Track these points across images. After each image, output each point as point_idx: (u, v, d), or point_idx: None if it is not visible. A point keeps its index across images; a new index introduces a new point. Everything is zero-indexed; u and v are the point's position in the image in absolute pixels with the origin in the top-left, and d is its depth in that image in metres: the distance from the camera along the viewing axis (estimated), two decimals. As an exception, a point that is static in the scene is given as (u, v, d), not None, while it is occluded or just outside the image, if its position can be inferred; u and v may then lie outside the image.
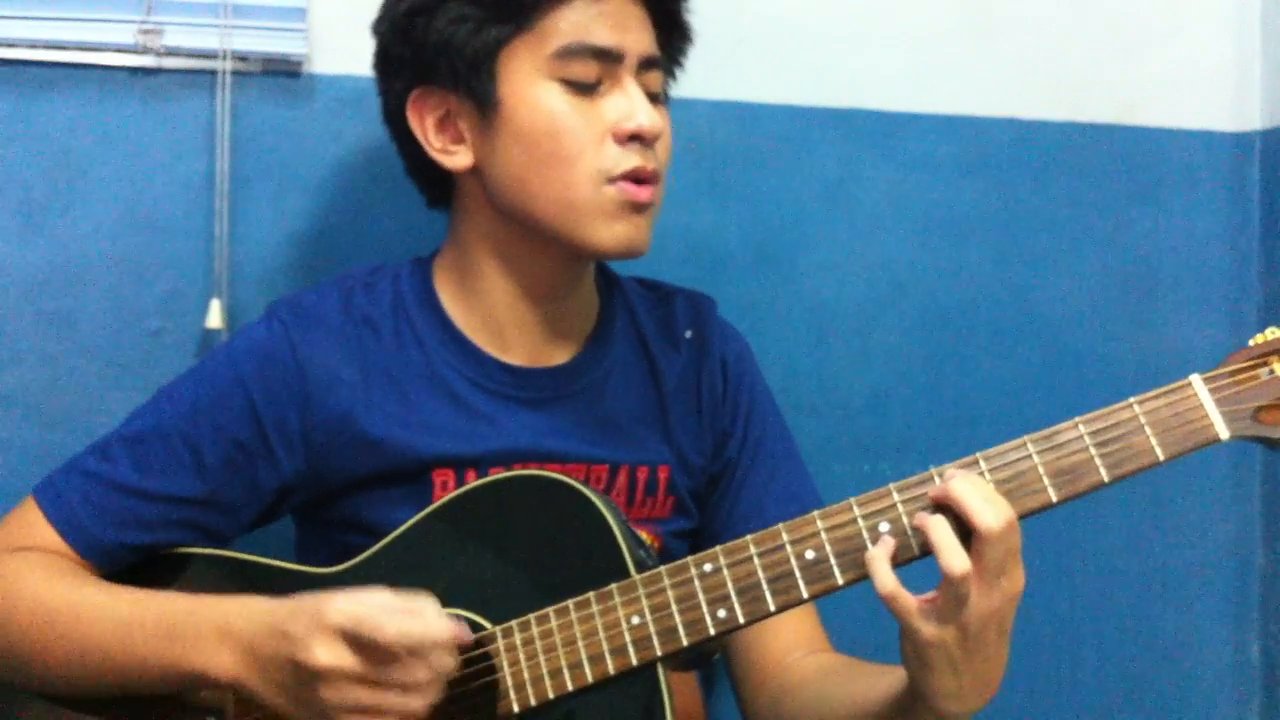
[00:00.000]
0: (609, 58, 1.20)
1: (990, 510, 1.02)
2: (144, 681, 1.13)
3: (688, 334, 1.35)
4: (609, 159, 1.19)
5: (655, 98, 1.25)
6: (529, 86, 1.19)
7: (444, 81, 1.22)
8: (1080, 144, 1.72)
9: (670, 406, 1.32)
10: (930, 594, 1.04)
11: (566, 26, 1.19)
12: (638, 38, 1.22)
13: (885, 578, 1.04)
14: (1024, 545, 1.08)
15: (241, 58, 1.48)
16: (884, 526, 1.07)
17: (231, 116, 1.47)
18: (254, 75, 1.49)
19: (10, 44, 1.43)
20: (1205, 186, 1.75)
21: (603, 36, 1.19)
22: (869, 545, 1.07)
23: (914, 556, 1.07)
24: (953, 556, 1.02)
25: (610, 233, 1.21)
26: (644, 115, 1.20)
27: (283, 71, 1.50)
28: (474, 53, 1.20)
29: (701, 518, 1.35)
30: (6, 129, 1.44)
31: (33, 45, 1.44)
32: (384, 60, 1.27)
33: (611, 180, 1.19)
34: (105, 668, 1.14)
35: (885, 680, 1.15)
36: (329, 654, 1.02)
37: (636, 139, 1.20)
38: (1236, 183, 1.75)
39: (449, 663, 1.04)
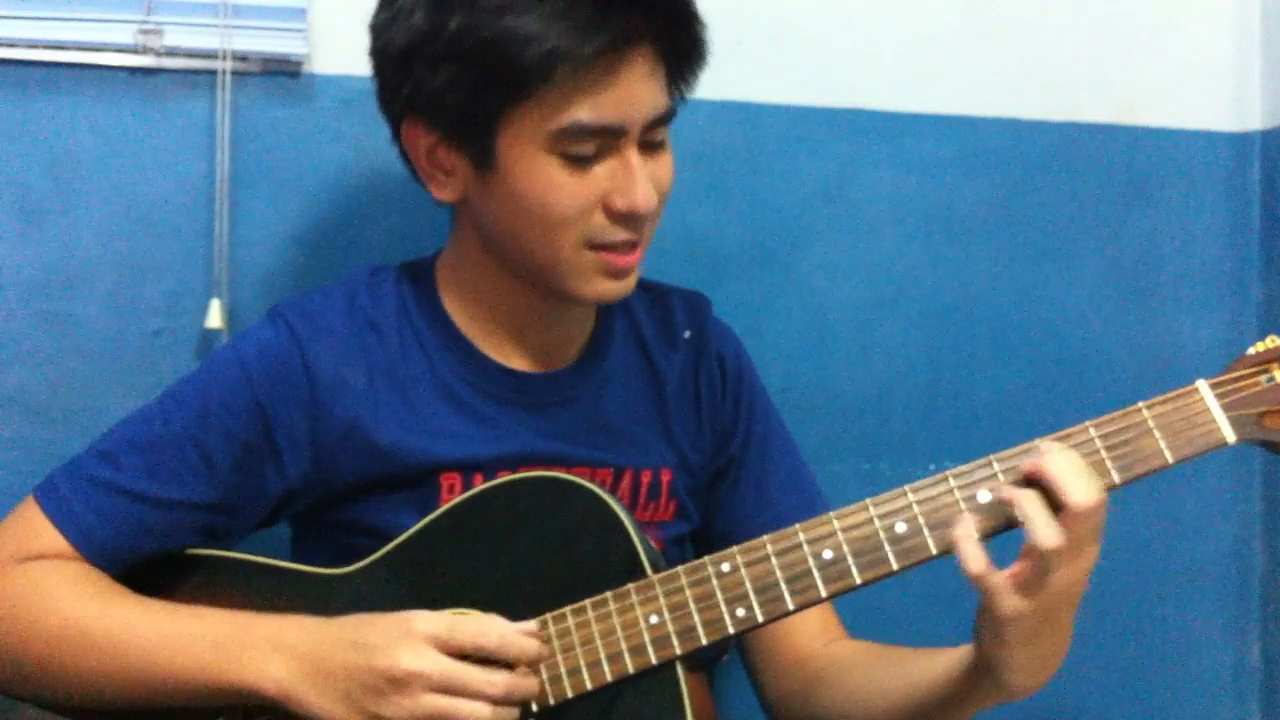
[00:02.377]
0: (611, 133, 1.16)
1: (1084, 486, 1.02)
2: (181, 695, 1.12)
3: (687, 334, 1.35)
4: (595, 229, 1.17)
5: (660, 145, 1.21)
6: (526, 155, 1.15)
7: (438, 127, 1.19)
8: (1080, 144, 1.72)
9: (671, 407, 1.32)
10: (1013, 569, 1.04)
11: (570, 103, 1.13)
12: (644, 103, 1.16)
13: (977, 558, 1.04)
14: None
15: (241, 58, 1.48)
16: (900, 527, 1.08)
17: (231, 116, 1.47)
18: (254, 75, 1.49)
19: (10, 44, 1.43)
20: (1205, 186, 1.75)
21: (606, 115, 1.14)
22: (885, 545, 1.08)
23: (929, 556, 1.08)
24: (1047, 530, 1.02)
25: (590, 289, 1.20)
26: (640, 195, 1.16)
27: (283, 71, 1.50)
28: (472, 116, 1.16)
29: (706, 516, 1.35)
30: (6, 129, 1.44)
31: (33, 45, 1.44)
32: (379, 74, 1.23)
33: (593, 247, 1.18)
34: (141, 681, 1.12)
35: (941, 660, 1.16)
36: (416, 659, 1.05)
37: (628, 215, 1.17)
38: (1236, 183, 1.75)
39: (534, 684, 1.09)
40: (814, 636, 1.31)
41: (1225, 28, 1.76)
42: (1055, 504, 1.03)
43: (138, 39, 1.45)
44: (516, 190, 1.17)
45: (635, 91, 1.16)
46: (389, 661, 1.05)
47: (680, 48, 1.20)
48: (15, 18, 1.42)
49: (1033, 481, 1.05)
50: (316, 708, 1.08)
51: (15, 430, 1.44)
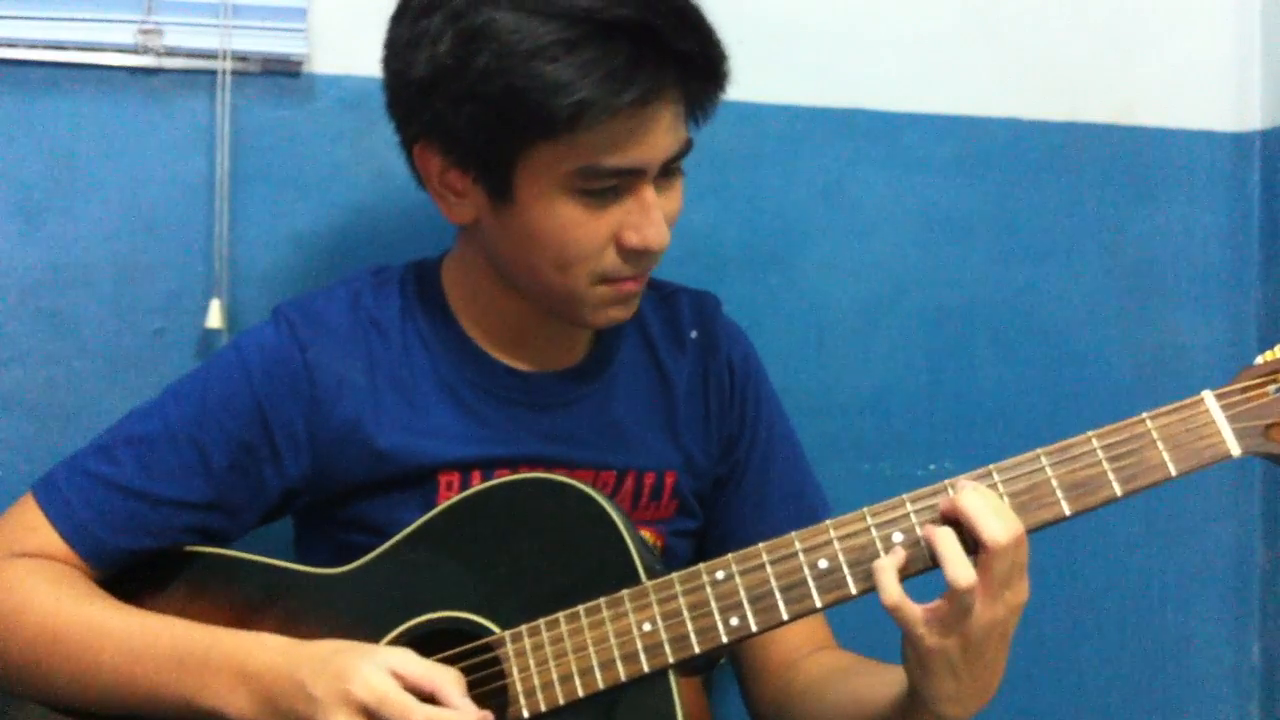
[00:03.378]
0: (631, 175, 1.15)
1: (998, 524, 1.02)
2: (152, 709, 1.13)
3: (693, 334, 1.35)
4: (608, 265, 1.17)
5: (675, 172, 1.21)
6: (545, 193, 1.15)
7: (453, 156, 1.18)
8: (1080, 144, 1.72)
9: (678, 408, 1.32)
10: (934, 603, 1.04)
11: (593, 149, 1.12)
12: (666, 147, 1.16)
13: (891, 588, 1.04)
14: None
15: (241, 58, 1.48)
16: (897, 536, 1.07)
17: (231, 116, 1.47)
18: (254, 75, 1.49)
19: (10, 44, 1.43)
20: (1205, 186, 1.75)
21: (626, 157, 1.14)
22: (882, 555, 1.07)
23: (927, 567, 1.07)
24: (958, 568, 1.02)
25: (599, 316, 1.22)
26: (653, 233, 1.16)
27: (283, 71, 1.50)
28: (493, 154, 1.15)
29: (707, 518, 1.35)
30: (6, 129, 1.44)
31: (33, 45, 1.44)
32: (394, 92, 1.21)
33: (604, 282, 1.18)
34: (113, 692, 1.13)
35: (886, 679, 1.16)
36: (371, 685, 1.04)
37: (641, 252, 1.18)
38: (1236, 183, 1.75)
39: None
40: (798, 645, 1.31)
41: (1225, 28, 1.76)
42: (974, 542, 1.03)
43: (138, 39, 1.45)
44: (532, 225, 1.16)
45: (659, 139, 1.15)
46: None
47: (706, 89, 1.20)
48: (15, 18, 1.42)
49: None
50: None
51: (15, 430, 1.44)
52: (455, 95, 1.13)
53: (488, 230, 1.21)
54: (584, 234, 1.16)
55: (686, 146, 1.19)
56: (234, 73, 1.47)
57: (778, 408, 1.39)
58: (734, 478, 1.35)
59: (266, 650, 1.10)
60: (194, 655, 1.11)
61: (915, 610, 1.04)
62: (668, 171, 1.19)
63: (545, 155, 1.13)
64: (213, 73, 1.47)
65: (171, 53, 1.47)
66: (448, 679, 1.06)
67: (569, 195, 1.14)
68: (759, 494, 1.35)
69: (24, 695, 1.17)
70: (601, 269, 1.18)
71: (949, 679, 1.05)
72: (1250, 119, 1.76)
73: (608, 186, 1.15)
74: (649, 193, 1.16)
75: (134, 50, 1.46)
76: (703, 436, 1.33)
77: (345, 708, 1.04)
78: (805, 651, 1.30)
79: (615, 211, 1.16)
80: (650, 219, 1.16)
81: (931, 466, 1.66)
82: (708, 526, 1.35)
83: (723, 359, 1.35)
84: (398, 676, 1.05)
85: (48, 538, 1.18)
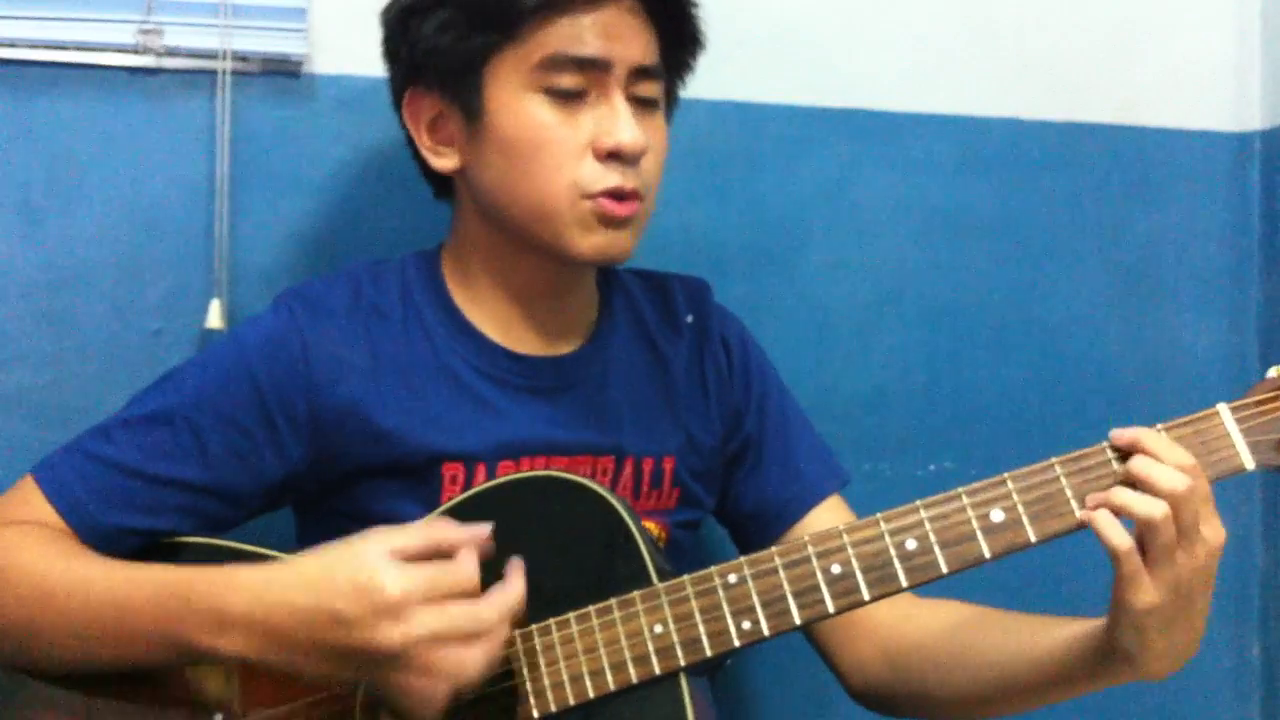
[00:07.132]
0: (594, 67, 1.19)
1: (1170, 477, 1.04)
2: (150, 658, 1.11)
3: (689, 319, 1.36)
4: (586, 175, 1.19)
5: (651, 104, 1.24)
6: (513, 97, 1.19)
7: (433, 85, 1.23)
8: (1080, 144, 1.72)
9: (677, 391, 1.33)
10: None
11: (554, 38, 1.18)
12: (629, 47, 1.20)
13: (1121, 535, 1.04)
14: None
15: (241, 58, 1.48)
16: (911, 544, 1.07)
17: (231, 116, 1.47)
18: (254, 75, 1.49)
19: (10, 44, 1.43)
20: (1205, 186, 1.75)
21: (589, 47, 1.18)
22: (895, 561, 1.07)
23: (939, 575, 1.07)
24: (1149, 504, 1.04)
25: (587, 242, 1.21)
26: (625, 133, 1.18)
27: (283, 71, 1.50)
28: (460, 60, 1.20)
29: (734, 498, 1.36)
30: (6, 129, 1.44)
31: (33, 45, 1.44)
32: (386, 52, 1.28)
33: (588, 196, 1.19)
34: (102, 645, 1.11)
35: (1061, 634, 1.16)
36: (405, 630, 1.01)
37: (616, 156, 1.19)
38: (1236, 183, 1.75)
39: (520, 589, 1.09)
40: (892, 601, 1.25)
41: (1225, 28, 1.76)
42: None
43: (138, 39, 1.45)
44: (505, 135, 1.19)
45: (616, 29, 1.19)
46: (378, 639, 1.01)
47: (666, 11, 1.24)
48: (15, 18, 1.42)
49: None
50: (296, 668, 1.05)
51: (15, 430, 1.44)
52: (426, 11, 1.21)
53: (471, 170, 1.23)
54: (556, 136, 1.18)
55: (656, 69, 1.23)
56: (234, 73, 1.47)
57: (780, 380, 1.41)
58: (751, 448, 1.36)
59: (242, 590, 1.07)
60: (175, 598, 1.08)
61: (1139, 561, 1.04)
62: (642, 102, 1.22)
63: (510, 58, 1.19)
64: (213, 73, 1.47)
65: (171, 53, 1.47)
66: (441, 531, 1.07)
67: (537, 96, 1.19)
68: (785, 458, 1.35)
69: (19, 663, 1.15)
70: (581, 181, 1.19)
71: (1159, 636, 1.07)
72: (1250, 119, 1.76)
73: (575, 90, 1.19)
74: (618, 97, 1.20)
75: (134, 50, 1.46)
76: (703, 417, 1.34)
77: (388, 615, 1.01)
78: (900, 606, 1.27)
79: (586, 118, 1.19)
80: (619, 120, 1.19)
81: (931, 466, 1.66)
82: (739, 504, 1.36)
83: (717, 340, 1.37)
84: (404, 555, 1.04)
85: (41, 510, 1.18)
